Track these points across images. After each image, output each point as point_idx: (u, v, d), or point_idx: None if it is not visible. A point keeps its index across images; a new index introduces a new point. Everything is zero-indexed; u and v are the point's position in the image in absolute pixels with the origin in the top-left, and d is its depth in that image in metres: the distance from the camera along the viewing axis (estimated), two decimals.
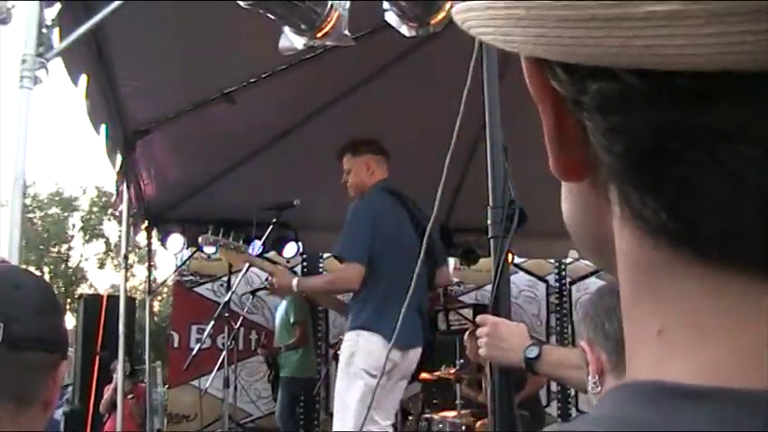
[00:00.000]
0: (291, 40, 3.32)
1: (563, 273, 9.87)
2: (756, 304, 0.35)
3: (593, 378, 1.65)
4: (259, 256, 7.03)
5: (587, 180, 0.42)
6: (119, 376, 6.51)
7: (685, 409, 0.34)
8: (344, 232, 3.99)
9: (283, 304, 7.68)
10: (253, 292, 7.54)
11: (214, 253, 7.75)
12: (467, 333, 6.07)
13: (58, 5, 3.28)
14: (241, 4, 3.02)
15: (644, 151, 0.36)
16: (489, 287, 2.33)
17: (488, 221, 2.32)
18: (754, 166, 0.33)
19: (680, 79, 0.33)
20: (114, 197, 5.91)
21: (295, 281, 4.20)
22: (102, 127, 4.60)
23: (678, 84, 0.33)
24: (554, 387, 9.12)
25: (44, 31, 3.17)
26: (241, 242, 4.64)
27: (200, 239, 4.73)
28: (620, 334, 0.43)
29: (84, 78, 3.85)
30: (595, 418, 0.38)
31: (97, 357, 9.59)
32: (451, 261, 8.94)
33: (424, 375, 5.77)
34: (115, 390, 7.15)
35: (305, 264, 9.40)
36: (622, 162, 0.37)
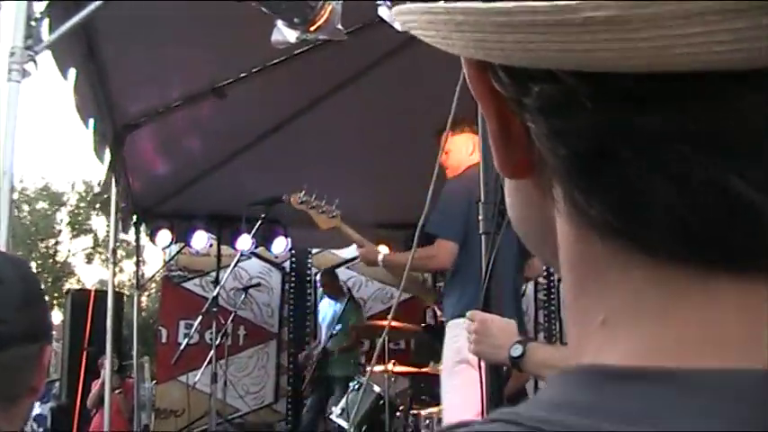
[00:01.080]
0: (284, 33, 3.31)
1: (551, 270, 9.88)
2: (691, 292, 0.36)
3: None
4: (249, 251, 7.05)
5: (531, 178, 0.43)
6: (106, 372, 6.49)
7: (625, 390, 0.35)
8: (439, 210, 3.78)
9: (334, 307, 7.56)
10: (244, 289, 7.53)
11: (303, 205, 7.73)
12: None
13: None
14: None
15: (587, 153, 0.36)
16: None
17: (480, 217, 2.32)
18: (697, 166, 0.33)
19: (621, 81, 0.33)
20: (99, 187, 5.88)
21: (380, 255, 4.11)
22: (91, 121, 4.57)
23: (620, 86, 0.33)
24: (541, 383, 9.14)
25: (33, 23, 3.15)
26: (334, 207, 4.56)
27: (290, 198, 4.59)
28: None
29: (73, 72, 3.82)
30: (540, 401, 0.38)
31: (84, 352, 9.56)
32: None
33: (412, 371, 5.78)
34: (102, 385, 7.13)
35: (293, 259, 9.40)
36: (566, 164, 0.37)
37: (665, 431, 0.33)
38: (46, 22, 3.20)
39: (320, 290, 8.10)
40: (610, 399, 0.35)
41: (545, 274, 9.86)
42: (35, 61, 3.10)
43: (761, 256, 0.35)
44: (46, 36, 3.21)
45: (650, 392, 0.34)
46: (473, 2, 0.35)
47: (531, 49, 0.34)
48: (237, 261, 6.09)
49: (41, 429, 10.28)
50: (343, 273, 9.43)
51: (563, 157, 0.37)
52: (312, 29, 3.31)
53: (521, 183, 0.45)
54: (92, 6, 3.36)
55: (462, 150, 4.09)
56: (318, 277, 7.79)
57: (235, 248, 7.51)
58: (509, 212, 0.49)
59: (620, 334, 0.38)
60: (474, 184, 3.77)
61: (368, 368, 5.84)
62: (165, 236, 7.44)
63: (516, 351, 2.13)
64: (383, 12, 3.56)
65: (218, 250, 8.18)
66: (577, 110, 0.35)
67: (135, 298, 8.07)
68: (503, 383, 2.35)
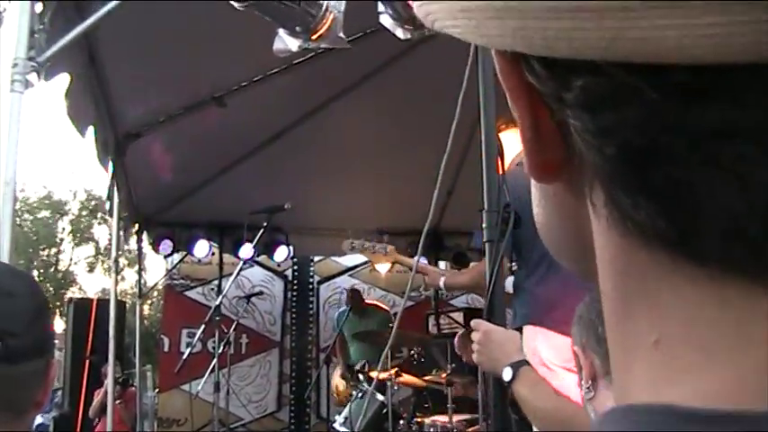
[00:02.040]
0: (286, 41, 3.31)
1: None
2: (760, 318, 0.32)
3: (585, 383, 1.65)
4: (251, 259, 7.04)
5: (564, 182, 0.40)
6: (109, 380, 6.48)
7: None
8: None
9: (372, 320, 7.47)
10: (247, 298, 7.52)
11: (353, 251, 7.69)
12: (457, 336, 6.03)
13: (49, 9, 3.26)
14: (235, 5, 3.01)
15: (637, 151, 0.33)
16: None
17: (483, 225, 2.32)
18: (757, 165, 0.31)
19: (677, 73, 0.31)
20: (106, 199, 5.88)
21: (442, 280, 4.09)
22: (91, 130, 4.57)
23: (675, 78, 0.31)
24: None
25: (36, 35, 3.15)
26: (385, 244, 4.59)
27: (343, 246, 4.64)
28: None
29: (64, 77, 3.80)
30: None
31: (87, 361, 9.55)
32: (442, 264, 8.95)
33: (414, 380, 5.77)
34: (105, 394, 7.12)
35: (296, 267, 9.39)
36: (612, 163, 0.34)
37: None
38: (48, 33, 3.20)
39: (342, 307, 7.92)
40: None
41: None
42: (38, 72, 3.10)
43: None
44: (49, 47, 3.21)
45: None
46: None
47: (576, 38, 0.31)
48: (240, 270, 6.07)
49: None
50: (345, 281, 9.43)
51: (610, 155, 0.34)
52: (314, 37, 3.32)
53: (552, 188, 0.42)
54: (94, 17, 3.36)
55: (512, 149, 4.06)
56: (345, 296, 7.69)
57: (237, 257, 7.50)
58: (537, 219, 0.45)
59: (678, 364, 0.34)
60: (516, 184, 3.71)
61: (372, 376, 5.83)
62: (167, 244, 7.44)
63: (507, 375, 2.12)
64: (385, 20, 3.56)
65: (221, 259, 8.17)
66: (627, 105, 0.33)
67: (137, 306, 8.06)
68: (506, 389, 2.34)
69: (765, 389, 0.31)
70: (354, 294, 7.63)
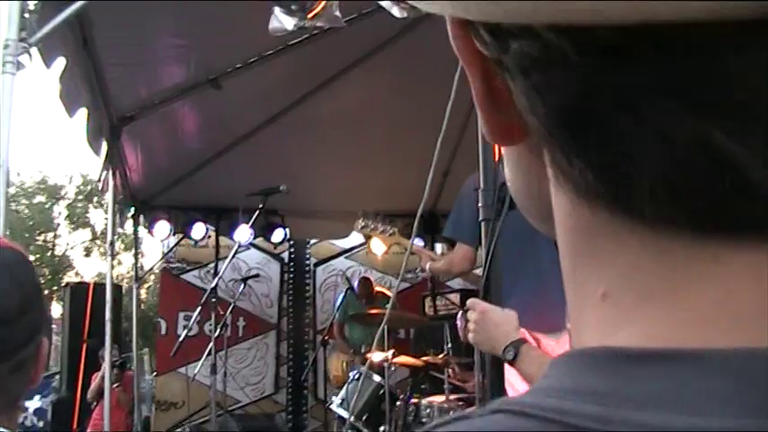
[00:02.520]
0: (282, 21, 3.29)
1: None
2: (697, 264, 0.34)
3: None
4: (247, 242, 7.02)
5: (524, 144, 0.41)
6: (106, 364, 6.48)
7: (641, 373, 0.32)
8: (453, 210, 3.69)
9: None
10: (243, 280, 7.52)
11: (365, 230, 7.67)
12: (459, 316, 6.03)
13: None
14: None
15: (566, 110, 0.34)
16: (476, 272, 2.31)
17: (479, 204, 2.30)
18: (681, 121, 0.31)
19: (604, 34, 0.31)
20: (99, 182, 5.84)
21: (428, 264, 4.07)
22: (83, 112, 4.54)
23: (602, 39, 0.32)
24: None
25: (27, 15, 3.13)
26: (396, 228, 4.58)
27: (355, 225, 4.64)
28: None
29: (61, 61, 3.78)
30: (547, 389, 0.35)
31: (84, 345, 9.56)
32: (438, 247, 8.95)
33: (412, 361, 5.77)
34: (102, 378, 7.12)
35: (292, 250, 9.39)
36: (546, 122, 0.36)
37: (692, 417, 0.30)
38: (39, 13, 3.18)
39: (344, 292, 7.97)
40: (628, 383, 0.32)
41: None
42: (29, 53, 3.08)
43: (760, 226, 0.32)
44: (40, 28, 3.19)
45: (671, 374, 0.32)
46: None
47: (507, 2, 0.33)
48: (236, 252, 6.06)
49: (42, 423, 10.28)
50: (341, 263, 9.43)
51: (541, 114, 0.36)
52: (310, 16, 3.29)
53: (515, 151, 0.43)
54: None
55: None
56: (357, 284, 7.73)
57: (233, 239, 7.50)
58: (506, 180, 0.46)
59: (627, 311, 0.36)
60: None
61: (367, 357, 5.83)
62: (163, 227, 7.44)
63: (509, 354, 2.12)
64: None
65: (217, 241, 8.17)
66: (556, 65, 0.34)
67: (134, 290, 8.05)
68: (502, 371, 2.34)
69: (701, 329, 0.33)
70: (366, 282, 7.66)
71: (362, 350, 6.90)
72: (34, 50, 3.23)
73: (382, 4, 3.51)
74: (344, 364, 7.28)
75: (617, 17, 0.30)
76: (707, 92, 0.31)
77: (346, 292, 7.76)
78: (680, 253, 0.34)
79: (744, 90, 0.31)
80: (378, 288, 7.94)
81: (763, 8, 0.29)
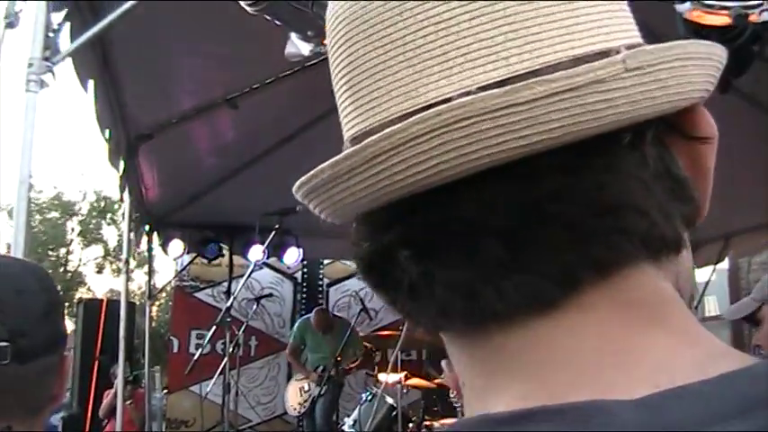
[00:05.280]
0: (298, 46, 3.32)
1: None
2: (486, 345, 0.47)
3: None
4: (261, 261, 7.04)
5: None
6: (119, 381, 6.49)
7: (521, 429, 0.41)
8: None
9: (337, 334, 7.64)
10: (256, 300, 7.53)
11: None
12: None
13: (65, 9, 3.27)
14: (248, 9, 3.01)
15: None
16: None
17: None
18: (438, 267, 0.46)
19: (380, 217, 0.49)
20: (120, 202, 5.88)
21: None
22: (106, 131, 4.59)
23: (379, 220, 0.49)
24: None
25: (51, 34, 3.17)
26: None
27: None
28: None
29: (91, 83, 3.84)
30: None
31: (96, 362, 9.57)
32: None
33: (425, 383, 5.77)
34: (115, 395, 7.13)
35: (305, 270, 9.40)
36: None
37: None
38: (64, 33, 3.21)
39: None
40: None
41: None
42: (53, 72, 3.11)
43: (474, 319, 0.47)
44: (63, 47, 3.23)
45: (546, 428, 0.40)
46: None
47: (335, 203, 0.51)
48: (252, 271, 6.08)
49: None
50: (355, 283, 9.42)
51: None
52: (326, 41, 3.32)
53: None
54: (109, 19, 3.37)
55: None
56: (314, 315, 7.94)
57: (247, 259, 7.51)
58: None
59: (474, 396, 0.49)
60: None
61: (380, 379, 5.82)
62: (177, 246, 7.45)
63: None
64: None
65: (230, 260, 8.18)
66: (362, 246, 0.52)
67: (147, 307, 8.07)
68: None
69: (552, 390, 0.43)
70: (322, 313, 7.90)
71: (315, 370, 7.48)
72: (67, 70, 3.28)
73: None
74: (300, 390, 7.46)
75: (364, 206, 0.49)
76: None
77: (304, 318, 8.01)
78: (480, 348, 0.48)
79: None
80: (334, 313, 8.42)
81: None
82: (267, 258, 7.60)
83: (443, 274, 0.45)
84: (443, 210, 0.45)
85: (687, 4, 2.91)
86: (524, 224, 0.43)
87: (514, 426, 0.41)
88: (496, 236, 0.44)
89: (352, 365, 7.39)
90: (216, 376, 6.29)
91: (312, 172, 0.50)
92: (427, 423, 5.29)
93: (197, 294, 9.01)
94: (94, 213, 31.05)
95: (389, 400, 5.34)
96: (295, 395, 7.66)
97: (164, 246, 7.46)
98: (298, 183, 0.53)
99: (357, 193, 0.46)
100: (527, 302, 0.44)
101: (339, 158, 0.46)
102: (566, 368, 0.44)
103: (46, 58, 3.08)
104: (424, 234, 0.46)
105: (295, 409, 7.65)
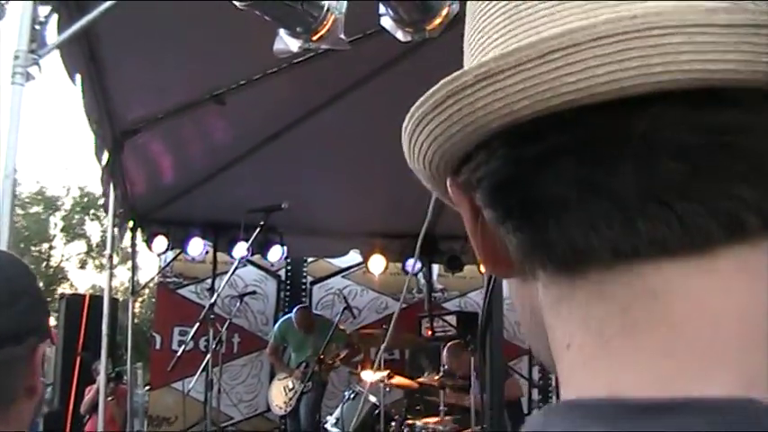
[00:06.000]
0: (287, 42, 3.31)
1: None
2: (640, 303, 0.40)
3: None
4: (245, 258, 7.04)
5: (517, 277, 0.47)
6: (101, 378, 6.46)
7: (648, 425, 0.36)
8: None
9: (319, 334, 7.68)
10: (240, 297, 7.52)
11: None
12: (446, 346, 6.05)
13: (51, 2, 3.26)
14: (237, 5, 3.00)
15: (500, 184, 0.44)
16: (472, 294, 2.31)
17: None
18: (566, 206, 0.40)
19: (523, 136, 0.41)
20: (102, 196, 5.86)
21: None
22: (94, 125, 4.58)
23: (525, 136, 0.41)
24: (536, 395, 9.13)
25: (37, 27, 3.15)
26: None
27: None
28: None
29: (78, 77, 3.82)
30: None
31: (78, 358, 9.52)
32: (435, 268, 8.96)
33: (407, 382, 5.77)
34: (96, 391, 7.10)
35: (289, 268, 9.39)
36: (510, 215, 0.43)
37: None
38: (50, 25, 3.20)
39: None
40: None
41: None
42: (39, 65, 3.10)
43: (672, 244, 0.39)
44: (50, 40, 3.21)
45: (678, 426, 0.35)
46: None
47: (454, 130, 0.43)
48: (236, 268, 6.07)
49: None
50: (338, 282, 9.42)
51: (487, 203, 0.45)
52: (315, 38, 3.31)
53: (513, 284, 0.49)
54: (95, 12, 3.35)
55: None
56: (295, 314, 7.95)
57: (231, 256, 7.51)
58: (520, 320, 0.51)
59: (591, 356, 0.41)
60: None
61: (363, 377, 5.82)
62: (161, 242, 7.44)
63: None
64: (386, 21, 3.55)
65: (214, 257, 8.16)
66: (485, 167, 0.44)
67: (130, 303, 8.03)
68: (502, 398, 2.35)
69: (669, 371, 0.38)
70: (304, 312, 7.88)
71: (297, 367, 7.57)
72: (55, 63, 3.26)
73: (386, 27, 3.53)
74: (285, 389, 7.50)
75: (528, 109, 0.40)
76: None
77: (285, 318, 8.05)
78: (620, 296, 0.40)
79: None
80: (316, 312, 8.42)
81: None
82: (251, 255, 7.59)
83: (607, 184, 0.39)
84: (611, 121, 0.39)
85: None
86: (709, 150, 0.38)
87: (658, 419, 0.36)
88: (675, 156, 0.38)
89: (337, 359, 7.39)
90: (198, 373, 6.28)
91: (461, 71, 0.42)
92: (409, 422, 5.29)
93: (180, 291, 8.98)
94: (78, 209, 30.89)
95: (372, 399, 5.35)
96: (279, 394, 7.66)
97: (147, 242, 7.44)
98: (439, 84, 0.43)
99: (510, 97, 0.39)
100: (697, 238, 0.38)
101: (503, 53, 0.39)
102: (713, 342, 0.38)
103: (32, 51, 3.06)
104: (587, 144, 0.40)
105: (280, 408, 7.65)
